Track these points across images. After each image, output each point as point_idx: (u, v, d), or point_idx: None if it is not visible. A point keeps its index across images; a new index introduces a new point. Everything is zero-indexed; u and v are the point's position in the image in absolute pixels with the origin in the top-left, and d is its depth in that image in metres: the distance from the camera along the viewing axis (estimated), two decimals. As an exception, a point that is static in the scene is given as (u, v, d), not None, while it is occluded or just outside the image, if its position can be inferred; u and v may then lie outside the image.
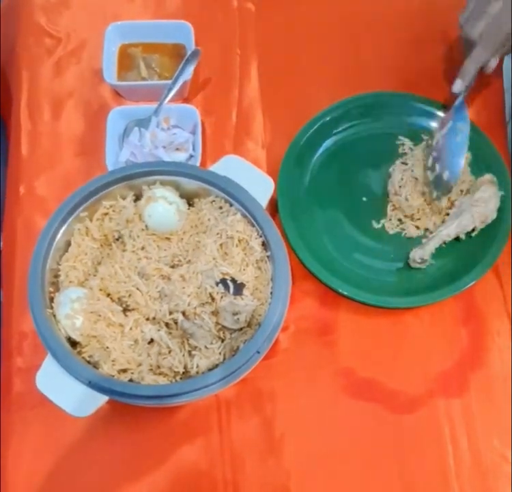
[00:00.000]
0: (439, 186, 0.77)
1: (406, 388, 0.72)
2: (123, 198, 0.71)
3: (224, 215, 0.70)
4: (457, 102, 0.79)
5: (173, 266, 0.68)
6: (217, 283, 0.66)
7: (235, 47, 0.90)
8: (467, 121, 0.78)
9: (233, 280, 0.67)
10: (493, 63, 0.77)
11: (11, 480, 0.68)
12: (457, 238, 0.77)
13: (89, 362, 0.64)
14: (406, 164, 0.81)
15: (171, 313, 0.65)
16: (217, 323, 0.66)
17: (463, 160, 0.77)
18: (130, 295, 0.66)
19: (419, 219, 0.79)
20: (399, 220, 0.79)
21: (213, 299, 0.67)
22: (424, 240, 0.78)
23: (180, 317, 0.65)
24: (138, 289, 0.66)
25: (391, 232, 0.79)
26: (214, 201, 0.71)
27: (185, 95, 0.86)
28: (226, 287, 0.66)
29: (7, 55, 0.92)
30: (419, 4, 0.94)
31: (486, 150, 0.81)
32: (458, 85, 0.79)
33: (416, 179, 0.79)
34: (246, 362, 0.62)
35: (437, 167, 0.77)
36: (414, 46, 0.91)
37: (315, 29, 0.92)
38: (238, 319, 0.65)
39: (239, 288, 0.67)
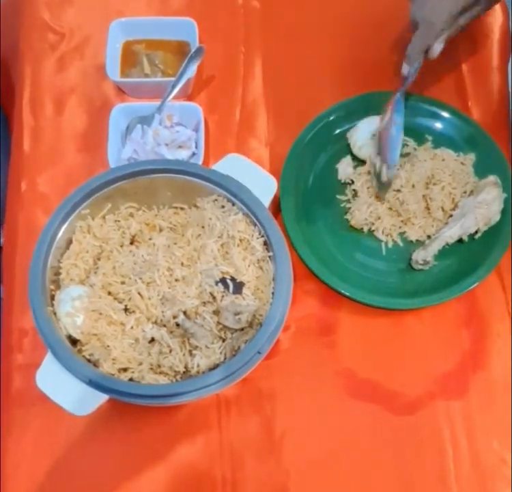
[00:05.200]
0: (379, 181, 0.77)
1: (406, 389, 0.72)
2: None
3: (226, 214, 0.70)
4: (396, 95, 0.79)
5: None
6: (216, 283, 0.66)
7: (240, 45, 0.90)
8: (402, 113, 0.78)
9: (233, 279, 0.67)
10: (437, 48, 0.75)
11: (11, 477, 0.68)
12: (460, 240, 0.77)
13: (89, 360, 0.64)
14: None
15: (174, 317, 0.65)
16: (218, 323, 0.66)
17: (397, 153, 0.77)
18: (130, 298, 0.66)
19: (419, 223, 0.78)
20: (401, 221, 0.79)
21: (214, 298, 0.67)
22: (427, 242, 0.77)
23: (181, 316, 0.65)
24: (139, 293, 0.66)
25: (394, 233, 0.79)
26: (216, 200, 0.71)
27: (188, 92, 0.86)
28: (226, 286, 0.66)
29: (10, 50, 0.92)
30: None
31: (490, 152, 0.81)
32: (404, 69, 0.78)
33: (413, 185, 0.78)
34: (246, 362, 0.62)
35: (378, 161, 0.78)
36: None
37: (321, 27, 0.92)
38: (240, 319, 0.65)
39: (238, 287, 0.67)
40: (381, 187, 0.78)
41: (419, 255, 0.76)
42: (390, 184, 0.77)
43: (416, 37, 0.76)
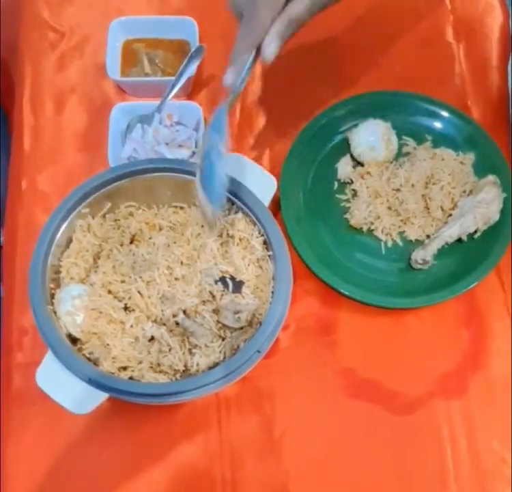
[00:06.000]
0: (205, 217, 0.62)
1: (406, 389, 0.72)
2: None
3: (225, 213, 0.70)
4: (216, 110, 0.60)
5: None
6: (216, 281, 0.66)
7: (240, 44, 0.89)
8: (223, 133, 0.59)
9: (232, 278, 0.67)
10: (271, 47, 0.58)
11: (11, 476, 0.68)
12: (459, 239, 0.77)
13: (89, 359, 0.64)
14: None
15: (174, 316, 0.65)
16: (218, 322, 0.66)
17: (221, 190, 0.60)
18: (130, 297, 0.66)
19: (418, 223, 0.78)
20: (401, 221, 0.79)
21: (214, 297, 0.67)
22: (426, 241, 0.77)
23: (181, 315, 0.65)
24: (139, 292, 0.66)
25: (394, 232, 0.79)
26: (216, 198, 0.71)
27: (188, 91, 0.86)
28: (226, 285, 0.66)
29: (10, 49, 0.91)
30: (423, 3, 0.93)
31: (489, 151, 0.81)
32: (229, 75, 0.58)
33: (413, 185, 0.78)
34: (246, 361, 0.62)
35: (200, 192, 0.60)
36: (418, 45, 0.90)
37: (320, 26, 0.91)
38: (239, 318, 0.65)
39: (238, 286, 0.67)
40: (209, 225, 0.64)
41: (418, 255, 0.76)
42: (215, 225, 0.62)
43: (241, 31, 0.58)
